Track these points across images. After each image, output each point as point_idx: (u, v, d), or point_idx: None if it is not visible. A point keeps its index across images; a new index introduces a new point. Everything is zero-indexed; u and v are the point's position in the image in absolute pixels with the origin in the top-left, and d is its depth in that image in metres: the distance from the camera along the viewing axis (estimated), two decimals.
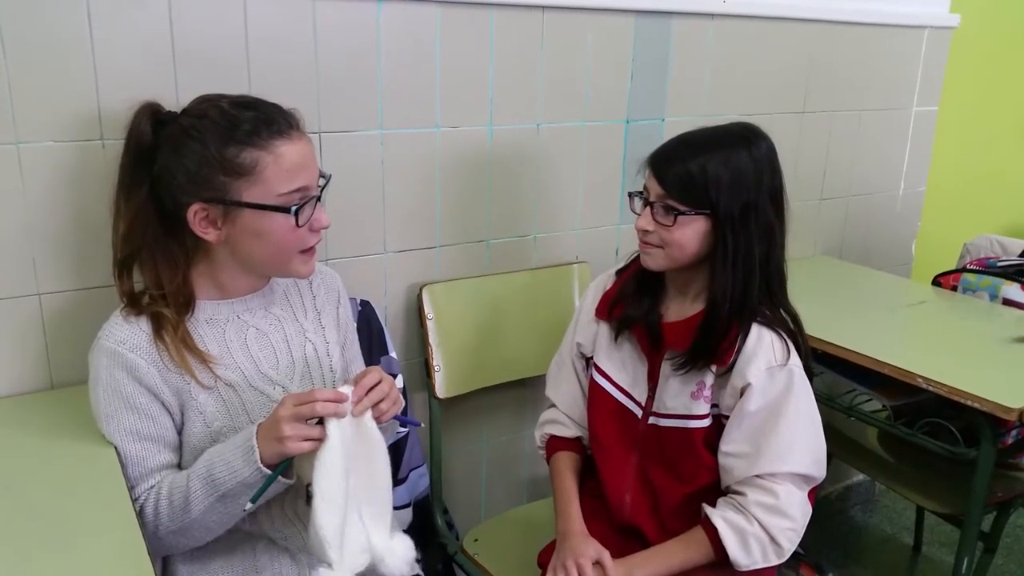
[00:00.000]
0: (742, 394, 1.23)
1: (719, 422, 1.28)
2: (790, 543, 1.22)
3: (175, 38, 1.31)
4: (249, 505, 1.06)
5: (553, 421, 1.47)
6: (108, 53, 1.26)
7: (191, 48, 1.32)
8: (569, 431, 1.45)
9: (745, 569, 1.22)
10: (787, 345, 1.24)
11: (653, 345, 1.32)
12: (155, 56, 1.30)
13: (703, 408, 1.27)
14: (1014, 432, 1.65)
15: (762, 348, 1.23)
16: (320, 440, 1.03)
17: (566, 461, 1.43)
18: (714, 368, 1.26)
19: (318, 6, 1.42)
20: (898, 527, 2.56)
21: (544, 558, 1.39)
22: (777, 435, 1.21)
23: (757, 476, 1.22)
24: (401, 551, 1.12)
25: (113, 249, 1.16)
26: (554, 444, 1.46)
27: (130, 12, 1.26)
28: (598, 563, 1.24)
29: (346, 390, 1.06)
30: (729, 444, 1.24)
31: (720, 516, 1.23)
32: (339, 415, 1.03)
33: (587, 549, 1.26)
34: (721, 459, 1.26)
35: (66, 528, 0.98)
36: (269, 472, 1.04)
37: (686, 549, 1.25)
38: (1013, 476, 1.81)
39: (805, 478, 1.23)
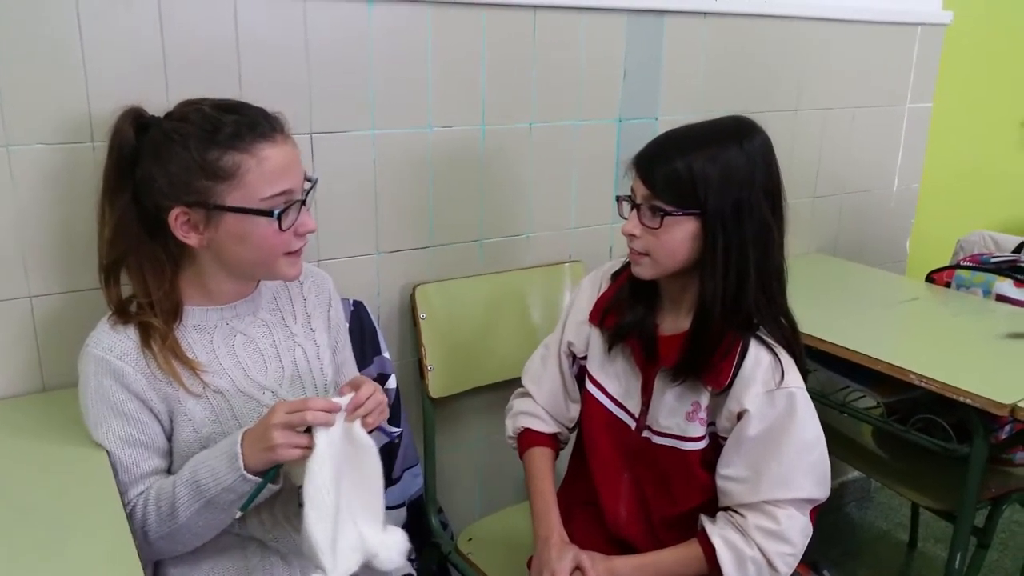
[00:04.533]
0: (738, 418, 1.18)
1: (716, 443, 1.23)
2: (788, 568, 1.18)
3: (165, 40, 1.31)
4: (239, 513, 1.06)
5: (528, 413, 1.40)
6: (98, 56, 1.26)
7: (181, 50, 1.32)
8: (546, 427, 1.39)
9: None
10: (782, 367, 1.17)
11: (648, 358, 1.27)
12: (145, 58, 1.30)
13: (699, 430, 1.22)
14: (1007, 428, 1.66)
15: (760, 371, 1.17)
16: (308, 448, 1.03)
17: (543, 459, 1.37)
18: (710, 389, 1.21)
19: (309, 7, 1.42)
20: (893, 523, 2.56)
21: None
22: (778, 462, 1.16)
23: (758, 502, 1.17)
24: (394, 543, 1.12)
25: (99, 255, 1.15)
26: (529, 437, 1.40)
27: (119, 14, 1.26)
28: (578, 569, 1.21)
29: (341, 401, 1.06)
30: (728, 468, 1.19)
31: (719, 535, 1.18)
32: (328, 424, 1.04)
33: (564, 557, 1.22)
34: (720, 482, 1.21)
35: (56, 531, 0.97)
36: (253, 478, 1.04)
37: (677, 561, 1.22)
38: (1006, 471, 1.81)
39: (808, 501, 1.19)
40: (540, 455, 1.38)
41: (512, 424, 1.43)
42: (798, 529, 1.17)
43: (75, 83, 1.25)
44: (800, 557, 1.19)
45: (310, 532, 1.02)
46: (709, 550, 1.18)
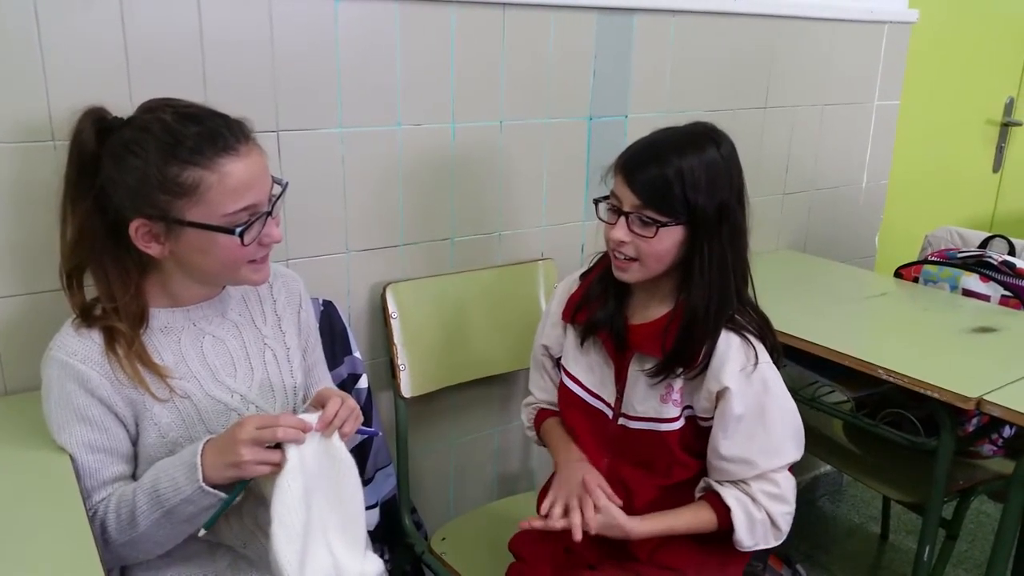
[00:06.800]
0: (718, 398, 1.23)
1: (694, 424, 1.28)
2: (787, 527, 1.27)
3: (127, 37, 1.28)
4: (203, 531, 1.05)
5: (538, 402, 1.50)
6: (57, 53, 1.23)
7: (144, 47, 1.30)
8: (555, 407, 1.47)
9: (745, 549, 1.26)
10: (753, 347, 1.24)
11: (619, 348, 1.31)
12: (106, 56, 1.27)
13: (673, 411, 1.27)
14: (974, 420, 1.68)
15: (732, 351, 1.22)
16: (278, 465, 1.02)
17: (556, 422, 1.44)
18: (681, 371, 1.25)
19: (274, 3, 1.40)
20: (865, 516, 2.59)
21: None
22: (768, 436, 1.23)
23: (758, 473, 1.24)
24: (372, 573, 1.11)
25: (61, 259, 1.12)
26: (541, 415, 1.49)
27: (79, 12, 1.24)
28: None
29: (310, 418, 1.05)
30: (723, 449, 1.24)
31: (733, 497, 1.24)
32: (299, 442, 1.03)
33: (590, 473, 1.28)
34: (716, 463, 1.26)
35: (18, 536, 0.95)
36: (211, 491, 1.03)
37: (688, 522, 1.27)
38: (974, 464, 1.84)
39: (793, 462, 1.27)
40: (554, 420, 1.45)
41: (527, 414, 1.52)
42: (792, 489, 1.27)
43: (34, 81, 1.23)
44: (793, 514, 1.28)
45: (277, 553, 1.01)
46: (722, 512, 1.25)
